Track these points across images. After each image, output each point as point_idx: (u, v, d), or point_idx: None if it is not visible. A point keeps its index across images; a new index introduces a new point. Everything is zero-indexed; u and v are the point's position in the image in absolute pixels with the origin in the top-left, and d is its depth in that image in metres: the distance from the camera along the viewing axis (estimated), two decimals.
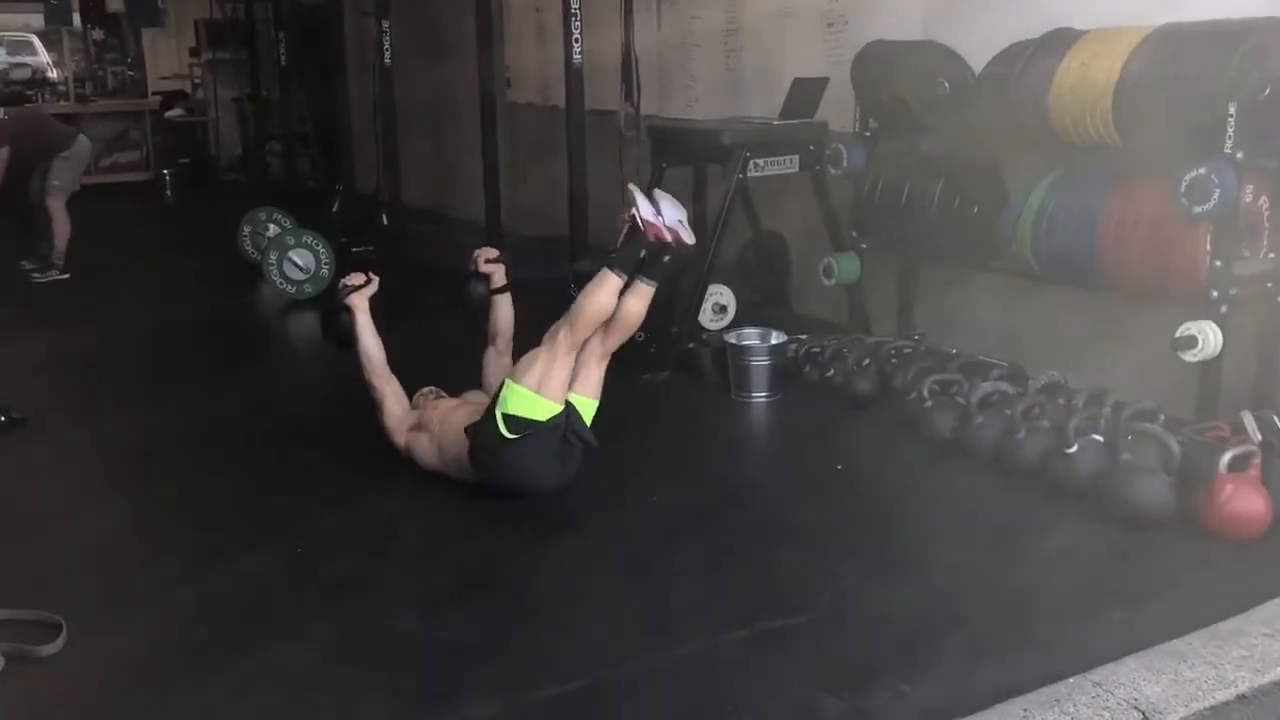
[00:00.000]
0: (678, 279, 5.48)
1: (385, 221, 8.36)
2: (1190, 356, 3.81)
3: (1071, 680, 2.65)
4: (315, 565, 3.32)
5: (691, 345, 5.01)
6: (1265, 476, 3.36)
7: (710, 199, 5.63)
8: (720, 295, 5.31)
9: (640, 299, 3.71)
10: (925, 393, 4.15)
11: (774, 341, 4.69)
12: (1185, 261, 3.87)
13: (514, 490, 3.64)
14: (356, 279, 4.05)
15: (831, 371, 4.64)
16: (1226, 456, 3.34)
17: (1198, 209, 3.71)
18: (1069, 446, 3.65)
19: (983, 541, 3.36)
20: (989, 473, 3.83)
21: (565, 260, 6.01)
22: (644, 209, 3.76)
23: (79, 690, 2.73)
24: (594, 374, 3.69)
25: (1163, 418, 3.76)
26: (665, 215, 3.77)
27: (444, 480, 3.82)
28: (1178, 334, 3.81)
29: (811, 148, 5.22)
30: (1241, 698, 2.64)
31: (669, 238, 3.76)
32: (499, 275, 4.13)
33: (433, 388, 4.13)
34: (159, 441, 4.32)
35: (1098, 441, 3.68)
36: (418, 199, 9.45)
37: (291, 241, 6.59)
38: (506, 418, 3.53)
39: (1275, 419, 3.66)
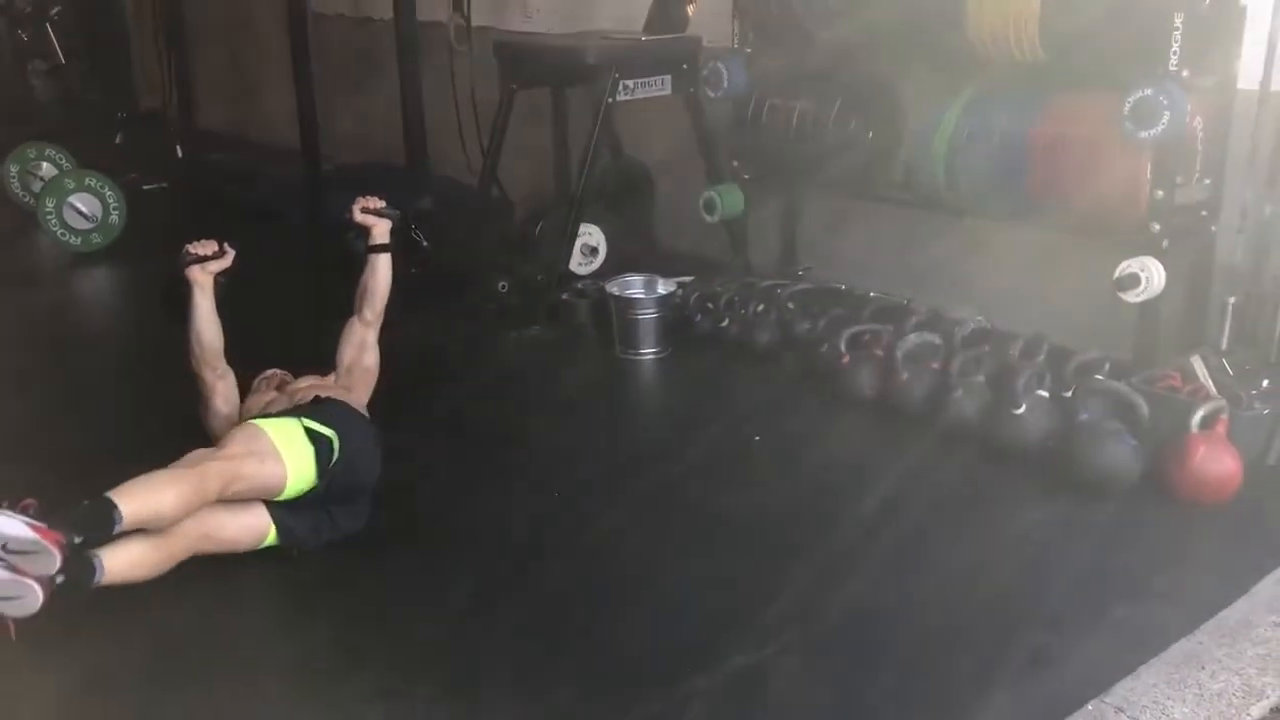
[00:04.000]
0: (537, 221, 4.88)
1: (180, 153, 7.35)
2: (1133, 296, 3.48)
3: (1090, 708, 2.29)
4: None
5: (565, 295, 4.41)
6: (1231, 432, 3.08)
7: (572, 125, 5.00)
8: (589, 236, 4.72)
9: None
10: (843, 347, 3.71)
11: (662, 291, 4.16)
12: (1123, 191, 3.52)
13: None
14: (206, 247, 3.22)
15: (726, 321, 4.14)
16: (1198, 415, 3.02)
17: (1144, 133, 3.35)
18: (1016, 407, 3.28)
19: (944, 525, 2.96)
20: (922, 435, 3.41)
21: (402, 193, 5.27)
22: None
23: None
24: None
25: (1108, 366, 3.44)
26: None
27: None
28: (1119, 272, 3.48)
29: (685, 67, 4.63)
30: (1275, 710, 2.34)
31: None
32: (380, 230, 3.38)
33: (277, 371, 3.39)
34: None
35: (1044, 399, 3.32)
36: (212, 120, 8.40)
37: (72, 185, 5.58)
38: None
39: (1225, 364, 3.40)
